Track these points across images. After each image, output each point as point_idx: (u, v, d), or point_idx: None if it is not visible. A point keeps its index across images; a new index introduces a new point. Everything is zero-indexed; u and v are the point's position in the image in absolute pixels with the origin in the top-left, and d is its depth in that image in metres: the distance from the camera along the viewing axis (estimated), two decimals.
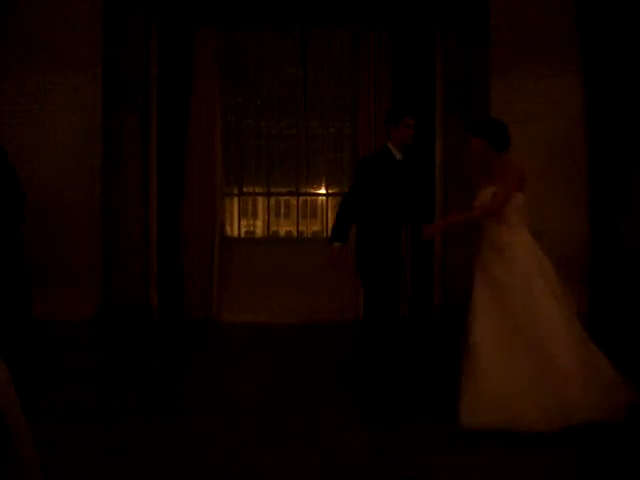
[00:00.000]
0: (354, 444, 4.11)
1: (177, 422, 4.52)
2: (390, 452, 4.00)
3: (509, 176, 4.53)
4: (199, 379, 5.80)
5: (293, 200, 8.87)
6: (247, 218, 9.16)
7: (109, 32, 7.78)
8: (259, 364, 6.21)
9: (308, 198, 8.92)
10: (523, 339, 4.25)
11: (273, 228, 9.18)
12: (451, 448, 3.99)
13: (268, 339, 7.44)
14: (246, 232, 9.10)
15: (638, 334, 7.37)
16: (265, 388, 5.34)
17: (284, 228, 9.38)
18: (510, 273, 4.40)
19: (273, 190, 8.81)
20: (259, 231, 9.11)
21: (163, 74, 8.10)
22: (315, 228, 9.08)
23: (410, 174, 5.42)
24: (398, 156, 5.28)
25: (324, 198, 8.89)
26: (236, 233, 8.84)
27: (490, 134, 4.63)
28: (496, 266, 4.46)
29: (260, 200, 8.99)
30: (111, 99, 7.80)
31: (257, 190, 8.85)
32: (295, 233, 8.94)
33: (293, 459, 3.86)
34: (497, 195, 4.47)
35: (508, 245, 4.48)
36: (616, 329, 7.60)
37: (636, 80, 8.02)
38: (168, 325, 7.94)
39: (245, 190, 8.77)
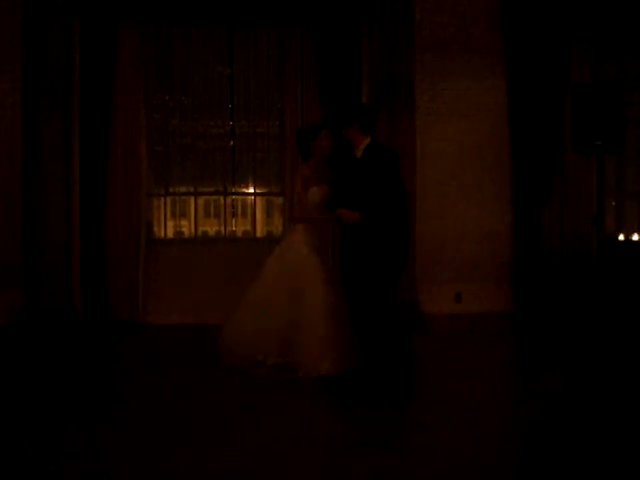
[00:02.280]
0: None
1: (97, 429, 4.42)
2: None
3: None
4: (121, 383, 5.68)
5: (222, 200, 8.79)
6: (175, 218, 9.06)
7: (29, 28, 7.57)
8: (184, 367, 6.11)
9: (236, 198, 8.86)
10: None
11: (202, 228, 9.09)
12: None
13: (195, 340, 7.34)
14: (174, 232, 8.99)
15: (559, 332, 7.56)
16: (188, 392, 5.28)
17: (213, 228, 9.30)
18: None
19: (200, 190, 8.72)
20: (187, 231, 9.01)
21: (86, 71, 7.88)
22: (244, 228, 9.04)
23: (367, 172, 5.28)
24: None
25: (252, 197, 8.84)
26: (164, 234, 8.72)
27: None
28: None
29: (188, 200, 8.88)
30: (31, 97, 7.60)
31: (184, 190, 8.76)
32: (224, 233, 8.87)
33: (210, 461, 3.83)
34: None
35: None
36: (539, 327, 7.79)
37: (558, 79, 8.22)
38: (93, 327, 7.76)
39: (172, 190, 8.66)
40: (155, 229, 8.62)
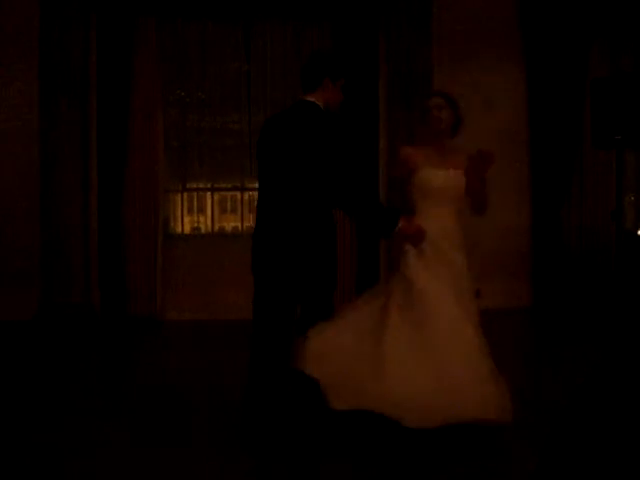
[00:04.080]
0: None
1: (117, 423, 4.44)
2: None
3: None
4: (140, 378, 5.68)
5: (238, 195, 8.80)
6: (192, 214, 9.06)
7: (46, 27, 7.60)
8: (201, 363, 6.12)
9: (253, 194, 8.86)
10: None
11: (219, 224, 9.10)
12: None
13: (212, 337, 7.36)
14: (191, 228, 9.00)
15: (579, 326, 7.53)
16: (205, 389, 5.27)
17: (230, 224, 9.30)
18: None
19: (217, 186, 8.73)
20: (204, 227, 9.02)
21: (103, 68, 7.90)
22: None
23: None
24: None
25: None
26: (181, 229, 8.74)
27: (458, 110, 4.17)
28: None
29: (205, 196, 8.89)
30: (49, 96, 7.65)
31: (201, 186, 8.77)
32: (241, 229, 8.87)
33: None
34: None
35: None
36: (559, 321, 7.76)
37: (577, 74, 8.15)
38: (110, 323, 7.80)
39: (189, 186, 8.69)
40: (172, 225, 8.66)
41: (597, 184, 8.28)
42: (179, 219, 8.70)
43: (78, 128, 7.79)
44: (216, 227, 8.92)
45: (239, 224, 8.89)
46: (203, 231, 8.95)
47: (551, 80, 8.15)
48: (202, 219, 9.02)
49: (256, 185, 8.53)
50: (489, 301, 8.55)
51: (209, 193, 8.77)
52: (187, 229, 8.88)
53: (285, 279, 3.91)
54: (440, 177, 4.08)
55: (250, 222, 8.82)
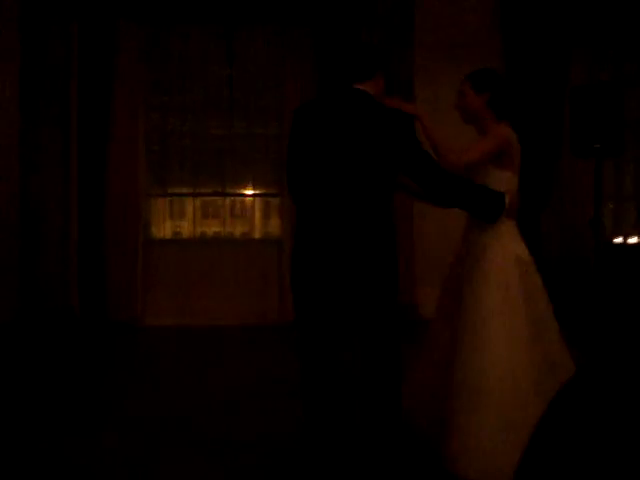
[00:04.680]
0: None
1: (89, 432, 4.42)
2: None
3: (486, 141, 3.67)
4: (117, 386, 5.64)
5: (220, 201, 8.79)
6: (174, 219, 9.04)
7: (27, 32, 7.57)
8: (181, 370, 6.09)
9: (235, 199, 8.87)
10: None
11: (201, 229, 9.09)
12: None
13: (192, 343, 7.33)
14: (173, 233, 8.98)
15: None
16: (183, 396, 5.25)
17: (212, 229, 9.29)
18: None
19: (199, 191, 8.72)
20: (186, 232, 9.00)
21: (85, 72, 7.89)
22: (243, 229, 9.03)
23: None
24: None
25: (251, 199, 8.84)
26: (162, 234, 8.72)
27: (495, 89, 3.72)
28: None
29: (187, 201, 8.89)
30: (30, 99, 7.60)
31: (183, 191, 8.76)
32: (222, 234, 8.87)
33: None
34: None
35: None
36: None
37: (557, 82, 8.22)
38: (90, 328, 7.75)
39: (170, 191, 8.68)
40: (153, 230, 8.63)
41: (576, 192, 8.34)
42: (160, 224, 8.67)
43: (59, 132, 7.76)
44: (198, 232, 8.91)
45: (220, 229, 8.88)
46: (185, 236, 8.94)
47: (531, 88, 8.21)
48: (184, 224, 9.01)
49: (237, 190, 8.68)
50: None
51: (191, 198, 8.76)
52: (168, 234, 8.86)
53: (341, 296, 3.24)
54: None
55: (232, 227, 8.82)
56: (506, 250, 3.57)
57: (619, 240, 8.07)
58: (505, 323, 3.43)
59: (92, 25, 7.85)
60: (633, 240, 8.02)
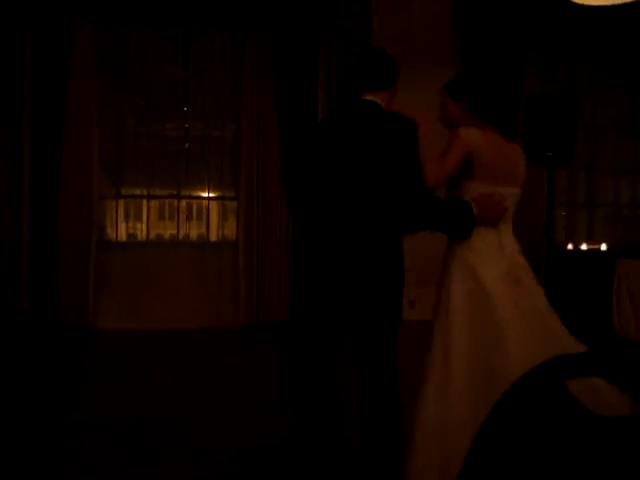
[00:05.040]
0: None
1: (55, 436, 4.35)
2: None
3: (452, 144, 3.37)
4: (72, 388, 5.54)
5: (175, 203, 8.73)
6: (128, 221, 8.96)
7: None
8: (131, 375, 6.00)
9: (190, 201, 8.82)
10: None
11: (156, 231, 9.02)
12: None
13: (144, 347, 7.26)
14: (128, 235, 8.89)
15: None
16: (139, 397, 5.20)
17: (167, 231, 9.22)
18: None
19: (154, 193, 8.66)
20: (140, 234, 8.92)
21: (38, 73, 7.75)
22: (199, 231, 8.99)
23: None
24: None
25: (207, 202, 8.80)
26: (116, 236, 8.62)
27: (473, 93, 3.57)
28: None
29: (142, 203, 8.81)
30: None
31: (137, 192, 8.68)
32: (178, 236, 8.81)
33: None
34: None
35: None
36: None
37: (512, 91, 8.34)
38: (40, 330, 7.63)
39: (125, 193, 8.59)
40: (108, 232, 8.54)
41: (528, 199, 8.45)
42: (114, 226, 8.57)
43: (10, 131, 7.66)
44: (152, 234, 8.84)
45: (175, 231, 8.82)
46: (139, 238, 8.86)
47: (486, 97, 8.30)
48: (138, 226, 8.92)
49: (193, 193, 8.63)
50: (423, 312, 8.74)
51: (145, 200, 8.68)
52: (123, 236, 8.77)
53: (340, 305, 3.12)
54: None
55: (187, 230, 8.77)
56: (463, 270, 3.29)
57: (571, 247, 8.21)
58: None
59: (47, 24, 7.73)
60: (584, 247, 8.16)
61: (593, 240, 8.71)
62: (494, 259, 3.31)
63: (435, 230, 3.27)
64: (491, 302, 3.20)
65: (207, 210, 8.82)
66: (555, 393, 1.75)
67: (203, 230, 8.87)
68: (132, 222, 8.94)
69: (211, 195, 8.75)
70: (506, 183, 3.40)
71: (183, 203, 8.73)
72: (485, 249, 3.31)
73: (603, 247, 8.06)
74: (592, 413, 1.80)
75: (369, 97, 3.24)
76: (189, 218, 8.86)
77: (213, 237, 8.90)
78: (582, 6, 5.32)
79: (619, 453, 1.70)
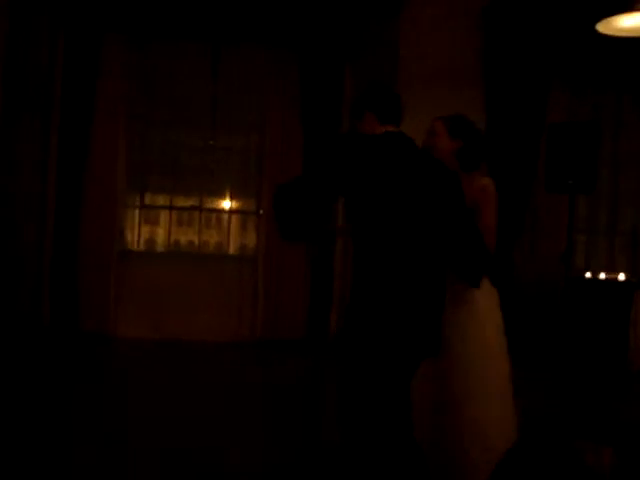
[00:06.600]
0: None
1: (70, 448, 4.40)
2: None
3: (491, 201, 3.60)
4: (90, 397, 5.58)
5: (196, 214, 8.81)
6: (150, 231, 9.06)
7: (13, 39, 7.55)
8: (149, 383, 6.08)
9: (212, 214, 8.91)
10: None
11: (177, 242, 9.11)
12: None
13: (161, 357, 7.31)
14: (148, 245, 8.99)
15: (527, 364, 7.65)
16: (156, 409, 5.24)
17: (188, 243, 9.32)
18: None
19: (176, 204, 8.74)
20: (161, 245, 9.01)
21: (68, 81, 7.88)
22: (219, 244, 9.06)
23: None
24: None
25: (228, 214, 8.87)
26: (137, 246, 8.71)
27: (469, 139, 3.61)
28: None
29: (164, 214, 8.91)
30: (11, 105, 7.57)
31: (161, 203, 8.78)
32: (197, 243, 8.90)
33: None
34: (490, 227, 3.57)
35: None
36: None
37: (535, 118, 8.37)
38: (61, 338, 7.70)
39: (148, 203, 8.69)
40: (129, 241, 8.63)
41: (549, 226, 8.48)
42: (136, 236, 8.67)
43: (37, 139, 7.76)
44: (173, 245, 8.92)
45: (196, 243, 8.90)
46: (160, 249, 8.94)
47: (509, 122, 8.35)
48: (159, 236, 9.02)
49: (215, 205, 8.70)
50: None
51: (167, 211, 8.77)
52: (144, 246, 8.86)
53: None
54: None
55: (207, 242, 8.84)
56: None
57: (589, 275, 8.20)
58: None
59: (78, 36, 7.86)
60: (602, 276, 8.15)
61: (613, 268, 8.70)
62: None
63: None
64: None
65: (228, 222, 8.89)
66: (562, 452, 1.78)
67: (224, 243, 8.94)
68: (153, 232, 9.04)
69: (233, 208, 8.83)
70: None
71: (205, 215, 8.81)
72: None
73: (621, 277, 8.04)
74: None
75: (391, 129, 3.21)
76: (209, 229, 8.94)
77: (232, 250, 8.96)
78: (607, 36, 5.34)
79: None
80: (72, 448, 4.37)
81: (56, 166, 7.91)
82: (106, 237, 8.03)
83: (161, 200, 8.77)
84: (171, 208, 8.73)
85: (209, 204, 8.77)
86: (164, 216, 8.94)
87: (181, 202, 8.82)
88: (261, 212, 8.40)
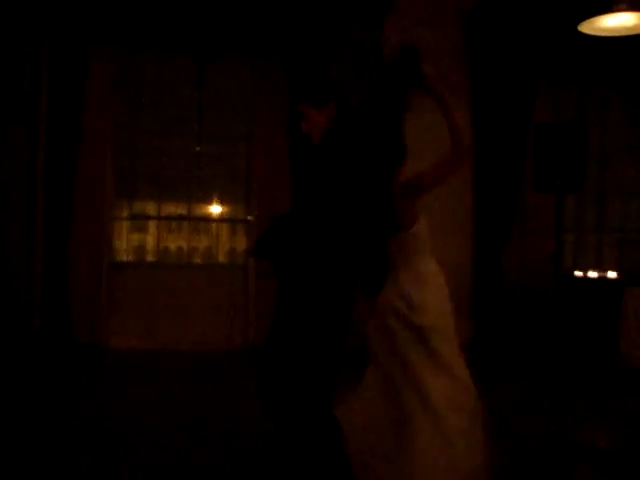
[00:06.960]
0: None
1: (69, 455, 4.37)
2: None
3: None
4: (85, 406, 5.58)
5: (185, 224, 8.80)
6: (138, 238, 9.04)
7: None
8: (142, 394, 6.06)
9: (201, 222, 8.90)
10: None
11: (166, 252, 9.09)
12: None
13: (154, 367, 7.29)
14: (139, 255, 8.97)
15: (517, 364, 7.69)
16: (152, 417, 5.24)
17: (178, 252, 9.30)
18: None
19: (164, 213, 8.72)
20: (151, 255, 8.99)
21: (54, 92, 7.83)
22: (209, 252, 9.06)
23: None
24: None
25: (215, 223, 8.86)
26: (126, 256, 8.69)
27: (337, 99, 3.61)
28: None
29: (152, 224, 8.89)
30: None
31: (150, 212, 8.77)
32: (186, 258, 8.88)
33: None
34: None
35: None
36: (498, 359, 7.91)
37: (522, 119, 8.41)
38: (51, 349, 7.67)
39: (135, 212, 8.67)
40: (119, 252, 8.60)
41: (537, 225, 8.52)
42: (126, 246, 8.65)
43: (25, 149, 7.74)
44: (163, 255, 8.90)
45: (186, 252, 8.88)
46: (150, 259, 8.92)
47: (496, 123, 8.39)
48: (149, 246, 8.99)
49: (204, 213, 8.68)
50: None
51: (155, 221, 8.75)
52: (133, 256, 8.84)
53: None
54: None
55: (196, 250, 8.82)
56: None
57: (579, 274, 8.24)
58: None
59: (63, 47, 7.82)
60: (592, 274, 8.19)
61: (601, 266, 8.74)
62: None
63: None
64: None
65: (216, 230, 8.88)
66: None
67: (213, 250, 8.93)
68: (142, 240, 9.01)
69: (222, 216, 8.83)
70: None
71: (194, 224, 8.80)
72: None
73: (611, 275, 8.08)
74: None
75: None
76: (199, 237, 8.92)
77: (221, 258, 8.95)
78: (590, 36, 5.37)
79: None
80: (64, 460, 4.33)
81: (44, 177, 7.87)
82: (96, 247, 8.00)
83: (150, 208, 8.74)
84: (159, 218, 8.70)
85: (197, 211, 8.76)
86: (152, 224, 8.92)
87: (170, 209, 8.79)
88: (249, 218, 8.40)
